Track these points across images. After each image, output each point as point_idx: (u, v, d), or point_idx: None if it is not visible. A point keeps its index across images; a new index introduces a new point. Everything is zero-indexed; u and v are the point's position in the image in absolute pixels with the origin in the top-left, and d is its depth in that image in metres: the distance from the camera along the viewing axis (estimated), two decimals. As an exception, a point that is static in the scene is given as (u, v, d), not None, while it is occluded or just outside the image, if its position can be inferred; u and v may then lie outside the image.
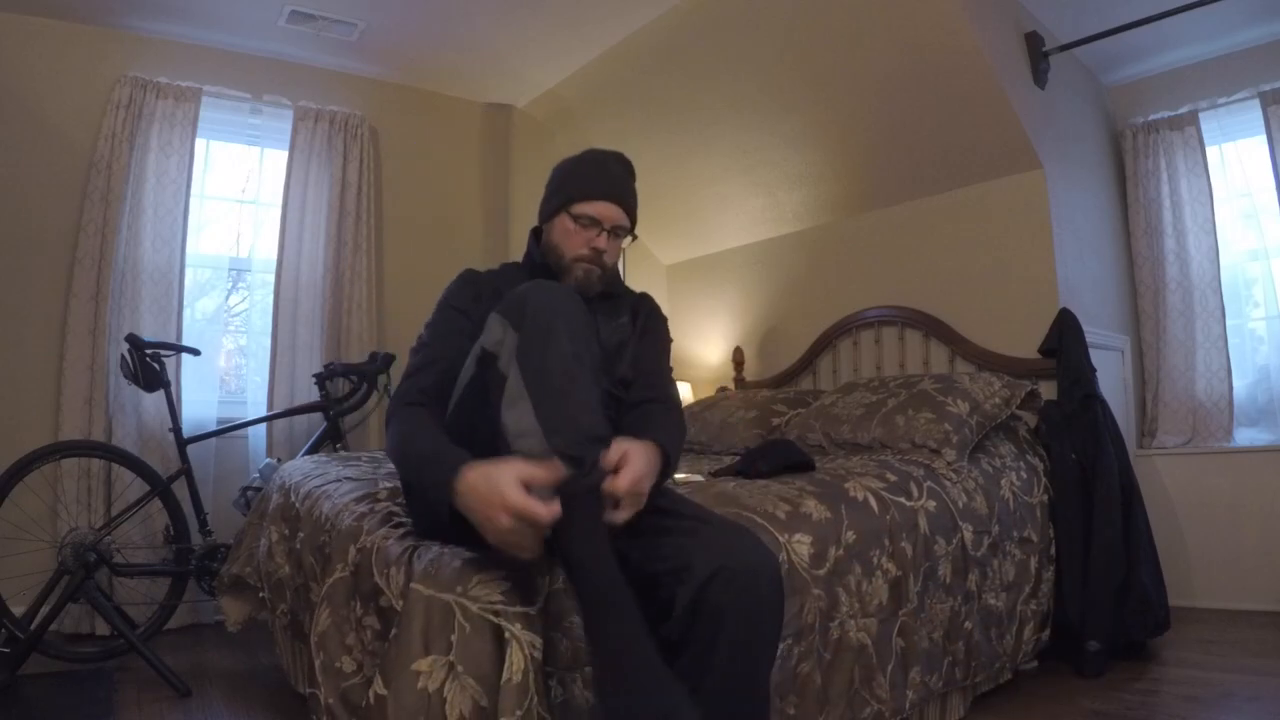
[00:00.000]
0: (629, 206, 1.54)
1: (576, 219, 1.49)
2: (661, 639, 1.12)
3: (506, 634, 1.10)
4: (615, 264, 1.57)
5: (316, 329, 3.35)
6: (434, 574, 1.15)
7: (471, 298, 1.48)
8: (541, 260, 1.55)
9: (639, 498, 1.14)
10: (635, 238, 1.59)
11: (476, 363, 1.25)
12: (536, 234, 1.60)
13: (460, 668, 1.08)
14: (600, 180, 1.51)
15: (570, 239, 1.49)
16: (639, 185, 1.59)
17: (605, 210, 1.49)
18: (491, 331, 1.21)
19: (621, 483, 1.10)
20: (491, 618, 1.11)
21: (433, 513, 1.23)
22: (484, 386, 1.20)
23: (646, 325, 1.64)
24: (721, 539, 1.14)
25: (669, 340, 1.68)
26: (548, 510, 1.03)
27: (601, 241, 1.49)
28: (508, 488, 1.02)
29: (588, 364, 1.18)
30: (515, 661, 1.08)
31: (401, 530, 1.37)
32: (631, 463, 1.13)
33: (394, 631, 1.13)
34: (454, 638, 1.09)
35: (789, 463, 2.07)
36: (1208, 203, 3.20)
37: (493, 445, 1.14)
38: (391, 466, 2.02)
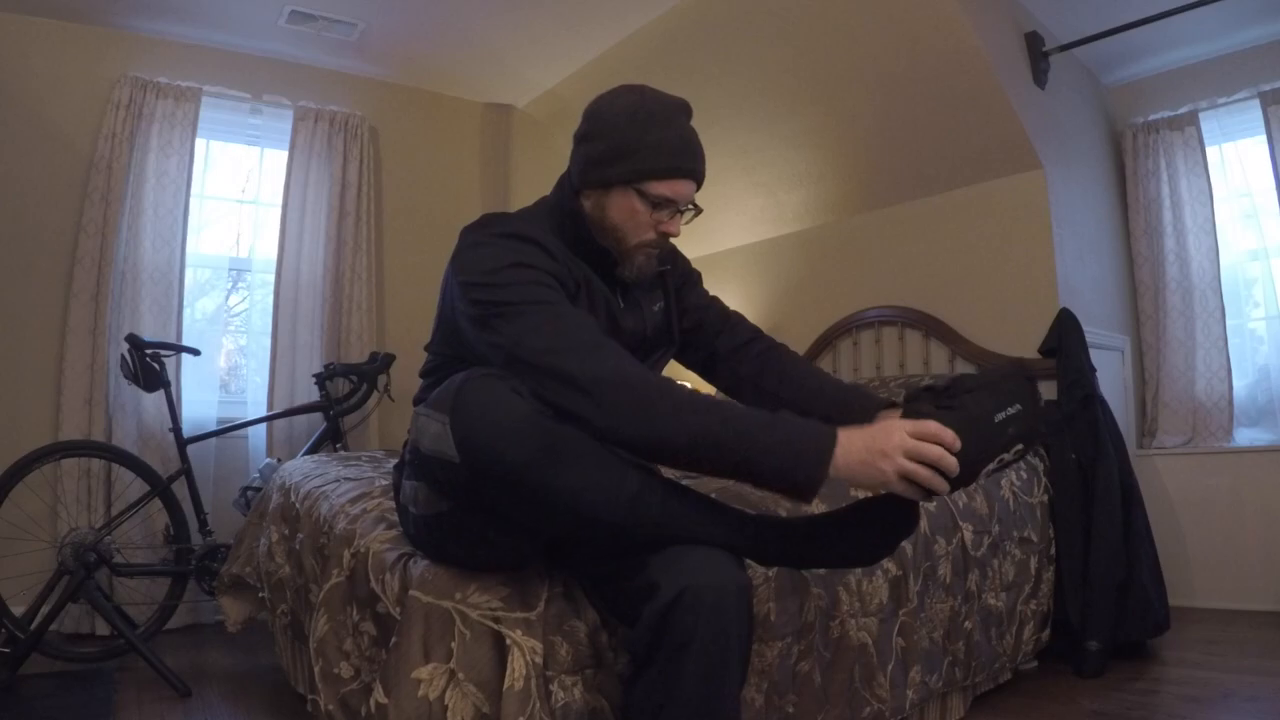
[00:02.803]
0: (703, 180, 1.27)
1: (652, 201, 1.21)
2: (628, 646, 1.11)
3: (507, 640, 1.10)
4: None
5: (316, 329, 3.35)
6: (432, 580, 1.15)
7: (546, 258, 1.19)
8: (587, 236, 1.26)
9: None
10: (700, 210, 1.29)
11: None
12: (570, 192, 1.28)
13: (461, 675, 1.08)
14: (685, 154, 1.22)
15: (637, 219, 1.22)
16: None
17: (684, 189, 1.23)
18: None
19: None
20: (491, 624, 1.11)
21: (780, 481, 1.02)
22: None
23: (681, 283, 1.45)
24: (690, 557, 1.05)
25: (699, 275, 1.51)
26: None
27: (674, 226, 1.25)
28: (897, 433, 1.01)
29: None
30: (516, 667, 1.08)
31: (396, 532, 1.36)
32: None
33: (394, 639, 1.13)
34: (454, 645, 1.09)
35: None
36: (1208, 203, 3.20)
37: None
38: (389, 467, 2.01)
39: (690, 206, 1.27)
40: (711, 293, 1.52)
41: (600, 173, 1.22)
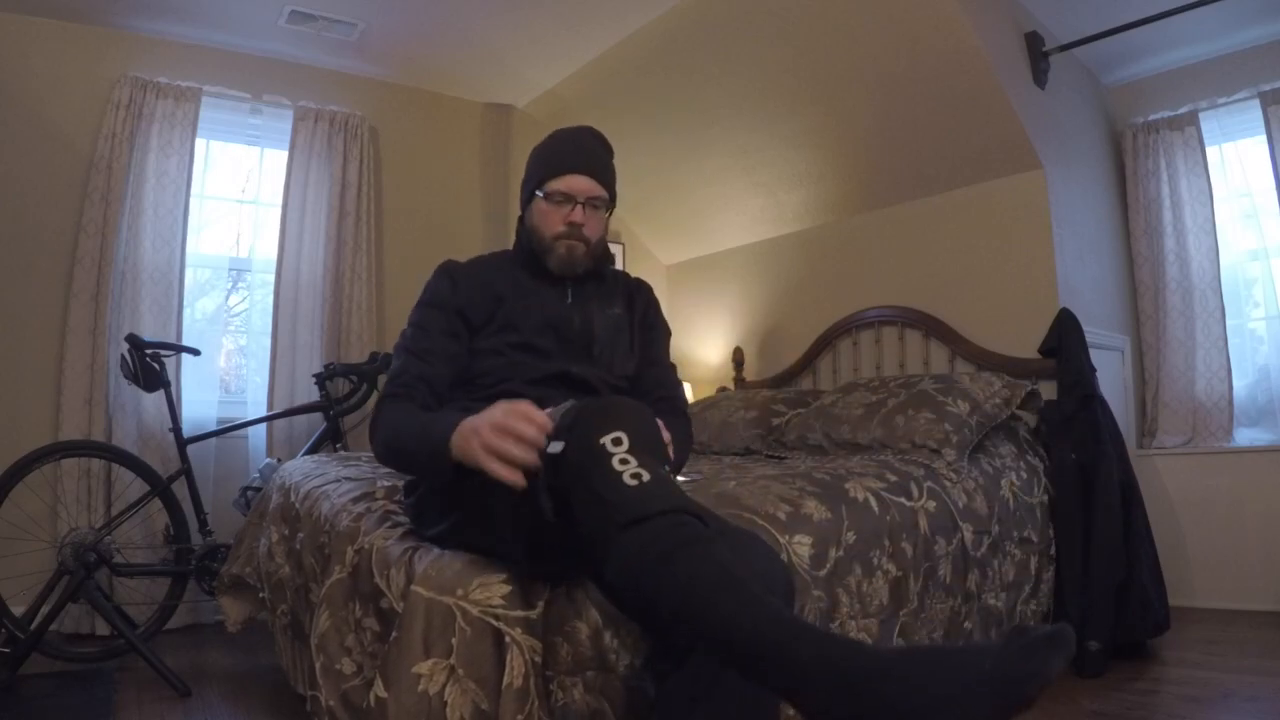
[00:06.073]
0: (603, 177, 1.50)
1: (549, 197, 1.47)
2: (669, 639, 1.10)
3: (507, 638, 1.10)
4: (600, 239, 1.52)
5: (316, 329, 3.35)
6: (434, 576, 1.15)
7: (449, 290, 1.49)
8: (529, 246, 1.53)
9: None
10: (613, 206, 1.55)
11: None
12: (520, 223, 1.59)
13: (461, 671, 1.08)
14: (568, 155, 1.49)
15: (547, 218, 1.47)
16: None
17: (577, 183, 1.46)
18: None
19: None
20: (492, 621, 1.11)
21: (434, 473, 1.19)
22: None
23: (647, 318, 1.61)
24: (736, 546, 1.09)
25: (669, 333, 1.67)
26: (538, 427, 1.05)
27: (578, 215, 1.46)
28: (502, 408, 1.08)
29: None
30: (515, 666, 1.08)
31: (400, 530, 1.36)
32: None
33: (394, 634, 1.13)
34: (455, 641, 1.09)
35: None
36: (1208, 203, 3.20)
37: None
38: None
39: (601, 203, 1.49)
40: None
41: (522, 196, 1.56)
